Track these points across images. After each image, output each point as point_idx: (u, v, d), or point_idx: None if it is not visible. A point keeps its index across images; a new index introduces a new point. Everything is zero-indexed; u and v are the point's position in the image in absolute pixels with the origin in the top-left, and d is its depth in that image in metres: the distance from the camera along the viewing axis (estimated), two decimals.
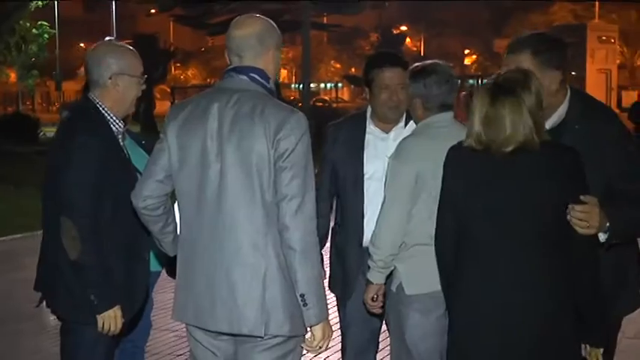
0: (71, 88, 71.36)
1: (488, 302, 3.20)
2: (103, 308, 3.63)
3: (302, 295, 3.18)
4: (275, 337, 3.24)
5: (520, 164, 3.21)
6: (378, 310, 4.10)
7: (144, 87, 3.93)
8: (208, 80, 77.39)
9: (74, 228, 3.60)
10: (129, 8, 72.99)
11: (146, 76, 3.92)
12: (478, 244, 3.25)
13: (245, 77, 3.30)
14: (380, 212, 3.92)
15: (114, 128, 3.80)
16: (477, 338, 3.23)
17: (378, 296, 4.03)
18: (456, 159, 3.34)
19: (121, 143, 3.84)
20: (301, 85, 27.83)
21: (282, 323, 3.23)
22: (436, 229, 3.43)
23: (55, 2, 42.84)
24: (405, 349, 4.00)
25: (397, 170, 3.88)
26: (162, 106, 59.92)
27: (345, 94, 76.34)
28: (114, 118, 3.80)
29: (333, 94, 72.70)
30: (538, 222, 3.19)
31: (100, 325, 3.64)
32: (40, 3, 30.03)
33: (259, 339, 3.24)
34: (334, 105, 50.91)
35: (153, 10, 48.60)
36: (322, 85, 73.75)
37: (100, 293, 3.62)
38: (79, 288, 3.63)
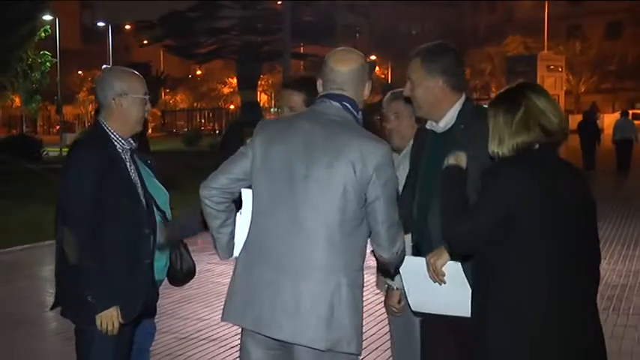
0: (70, 111, 71.12)
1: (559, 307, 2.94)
2: (100, 309, 3.57)
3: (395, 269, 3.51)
4: (334, 352, 3.09)
5: (567, 163, 3.08)
6: (399, 314, 4.09)
7: (149, 107, 3.88)
8: (195, 104, 77.33)
9: (72, 234, 3.59)
10: (123, 39, 72.99)
11: (148, 96, 3.85)
12: (545, 248, 2.94)
13: (338, 104, 3.23)
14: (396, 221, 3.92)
15: (118, 145, 3.76)
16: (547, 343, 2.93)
17: (400, 300, 4.01)
18: (515, 170, 2.96)
19: (126, 159, 3.78)
20: (279, 109, 27.86)
21: (348, 341, 3.10)
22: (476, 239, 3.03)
23: (57, 33, 42.61)
24: (409, 346, 4.02)
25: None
26: (154, 129, 59.72)
27: None
28: (118, 136, 3.76)
29: None
30: (587, 219, 3.06)
31: (98, 324, 3.58)
32: (42, 34, 29.94)
33: (320, 352, 3.07)
34: None
35: (145, 41, 48.46)
36: None
37: (97, 294, 3.57)
38: (80, 290, 3.60)
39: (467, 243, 3.04)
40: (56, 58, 39.68)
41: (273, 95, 74.36)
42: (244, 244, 3.28)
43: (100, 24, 72.30)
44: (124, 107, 3.75)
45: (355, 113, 3.25)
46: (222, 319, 3.32)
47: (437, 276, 3.31)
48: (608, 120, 26.74)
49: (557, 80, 47.61)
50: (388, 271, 3.65)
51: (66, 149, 36.67)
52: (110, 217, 3.64)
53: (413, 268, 3.44)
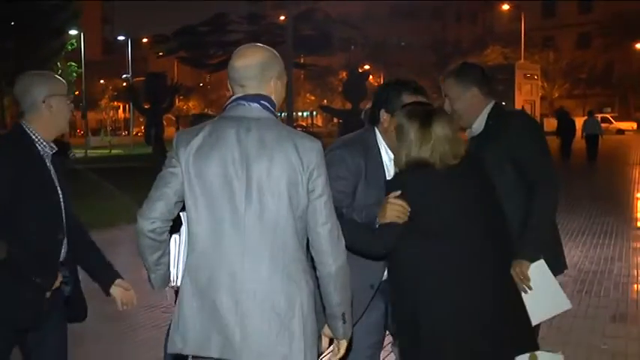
0: (93, 117, 71.09)
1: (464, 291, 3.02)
2: None
3: (343, 314, 2.79)
4: None
5: (466, 173, 3.13)
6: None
7: (72, 107, 3.56)
8: (206, 110, 77.32)
9: None
10: (141, 51, 72.87)
11: (70, 99, 3.52)
12: (453, 247, 3.02)
13: (257, 105, 2.71)
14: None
15: (40, 149, 3.34)
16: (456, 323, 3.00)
17: None
18: (421, 182, 3.07)
19: (48, 162, 3.37)
20: (284, 114, 27.85)
21: (312, 350, 2.72)
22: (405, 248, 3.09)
23: (82, 46, 42.61)
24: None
25: None
26: (168, 132, 59.81)
27: (318, 121, 76.59)
28: (41, 139, 3.35)
29: (309, 121, 73.04)
30: (491, 220, 3.14)
31: None
32: (69, 47, 30.04)
33: None
34: (310, 129, 51.11)
35: (161, 53, 48.56)
36: (300, 114, 73.80)
37: None
38: None
39: (390, 245, 3.08)
40: (81, 68, 39.70)
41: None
42: (187, 269, 2.73)
43: (120, 38, 72.22)
44: (54, 108, 3.37)
45: (274, 111, 2.77)
46: (180, 350, 2.73)
47: (524, 282, 3.36)
48: (579, 123, 27.41)
49: (534, 87, 47.63)
50: (334, 315, 2.83)
51: (91, 151, 36.59)
52: (21, 221, 3.22)
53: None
